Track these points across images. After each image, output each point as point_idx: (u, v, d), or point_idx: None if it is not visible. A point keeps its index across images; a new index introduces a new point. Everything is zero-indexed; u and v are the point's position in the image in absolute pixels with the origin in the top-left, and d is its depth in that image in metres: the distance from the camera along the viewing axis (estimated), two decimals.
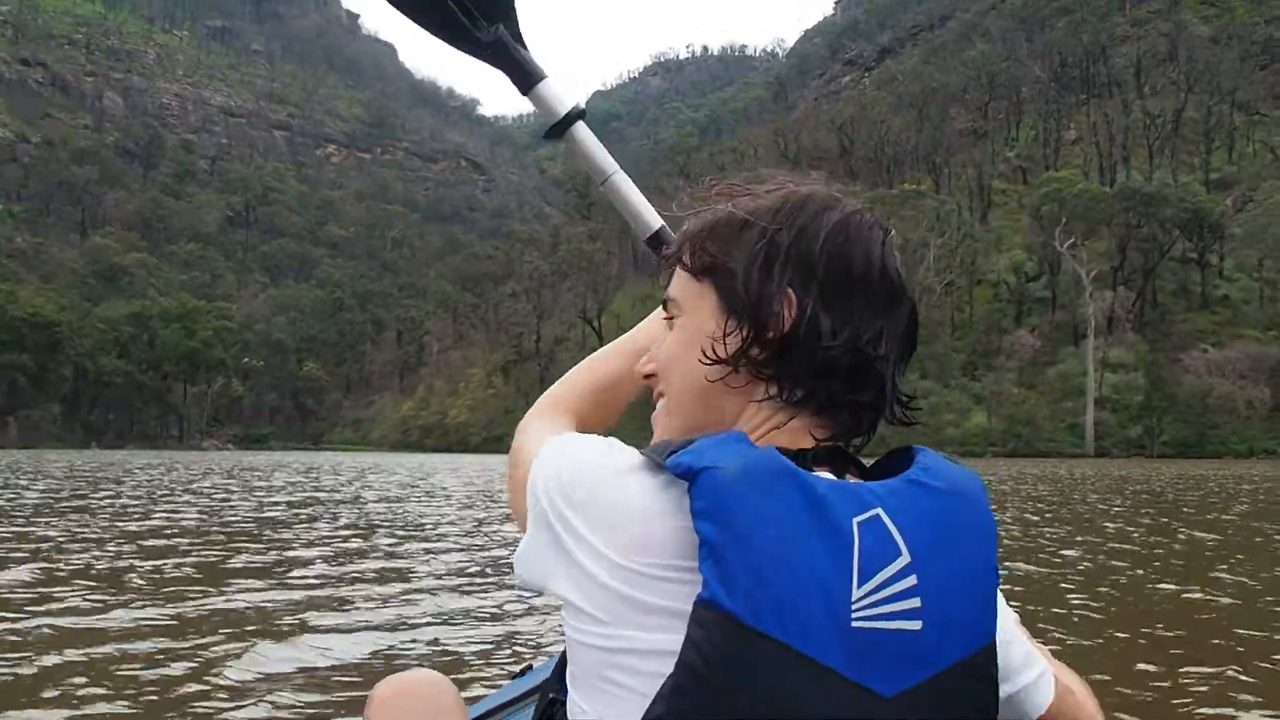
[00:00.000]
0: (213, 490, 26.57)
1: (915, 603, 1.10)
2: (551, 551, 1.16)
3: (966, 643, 1.14)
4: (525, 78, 1.83)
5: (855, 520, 1.10)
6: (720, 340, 1.24)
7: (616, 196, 1.83)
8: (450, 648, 6.41)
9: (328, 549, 12.08)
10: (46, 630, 6.76)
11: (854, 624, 1.07)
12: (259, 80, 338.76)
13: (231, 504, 20.78)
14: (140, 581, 9.12)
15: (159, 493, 24.63)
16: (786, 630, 1.05)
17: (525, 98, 1.82)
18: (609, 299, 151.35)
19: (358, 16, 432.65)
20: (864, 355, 1.21)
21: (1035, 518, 18.76)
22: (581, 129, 1.81)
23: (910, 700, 1.10)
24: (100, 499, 21.83)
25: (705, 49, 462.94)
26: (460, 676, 5.48)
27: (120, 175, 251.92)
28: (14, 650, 6.09)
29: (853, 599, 1.07)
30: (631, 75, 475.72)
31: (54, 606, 7.68)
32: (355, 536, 13.66)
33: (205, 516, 17.02)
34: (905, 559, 1.10)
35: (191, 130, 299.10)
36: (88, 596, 8.20)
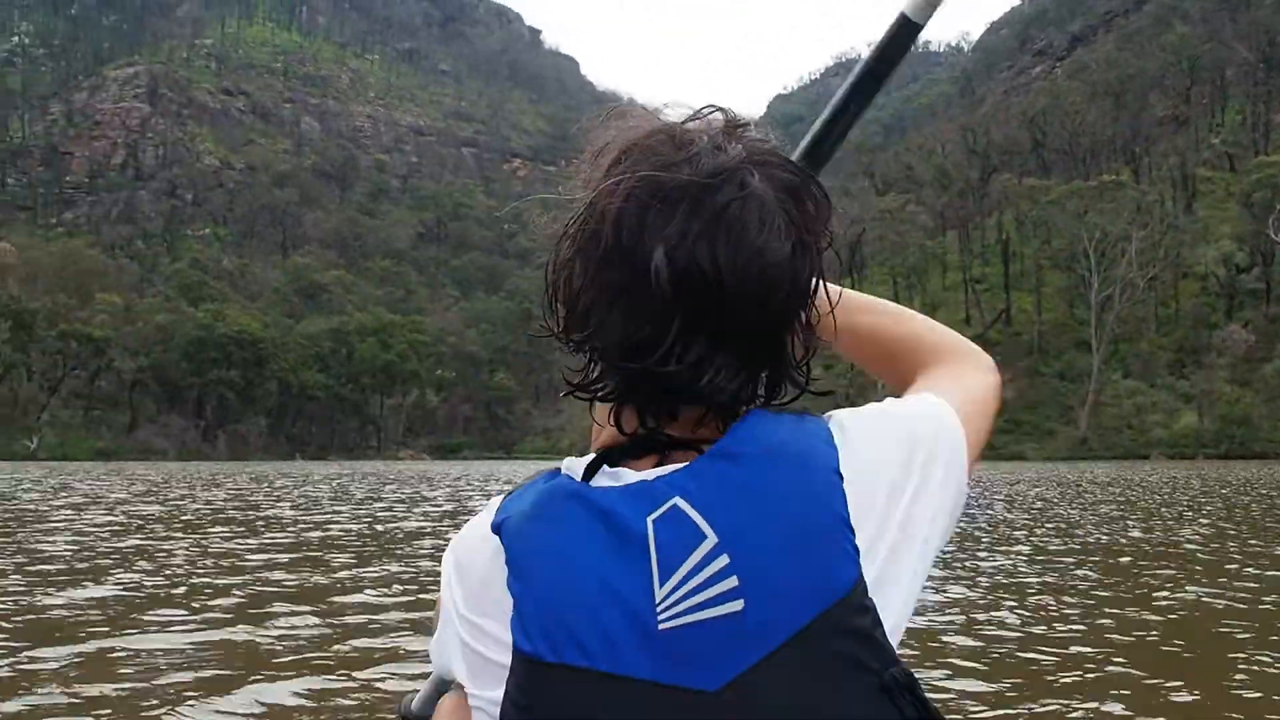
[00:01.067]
0: (373, 499, 26.99)
1: (732, 582, 1.04)
2: (449, 631, 1.16)
3: (807, 606, 1.05)
4: None
5: (649, 518, 1.06)
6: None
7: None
8: None
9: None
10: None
11: (662, 626, 1.03)
12: (447, 99, 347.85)
13: (390, 514, 20.89)
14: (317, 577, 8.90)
15: (325, 500, 25.01)
16: (589, 655, 1.03)
17: None
18: None
19: (539, 32, 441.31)
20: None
21: (1233, 528, 17.36)
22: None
23: (744, 686, 1.03)
24: (264, 507, 22.23)
25: None
26: None
27: (318, 196, 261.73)
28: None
29: (656, 601, 1.04)
30: (812, 77, 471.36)
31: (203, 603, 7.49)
32: None
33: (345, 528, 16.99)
34: (711, 541, 1.05)
35: (384, 150, 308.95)
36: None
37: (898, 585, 1.10)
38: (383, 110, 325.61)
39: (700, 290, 1.09)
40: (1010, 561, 12.78)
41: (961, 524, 17.12)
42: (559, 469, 1.15)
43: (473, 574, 1.12)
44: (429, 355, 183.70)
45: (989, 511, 22.29)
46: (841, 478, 1.10)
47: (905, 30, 1.55)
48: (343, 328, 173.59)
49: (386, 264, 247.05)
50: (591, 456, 1.15)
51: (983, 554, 13.60)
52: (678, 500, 1.06)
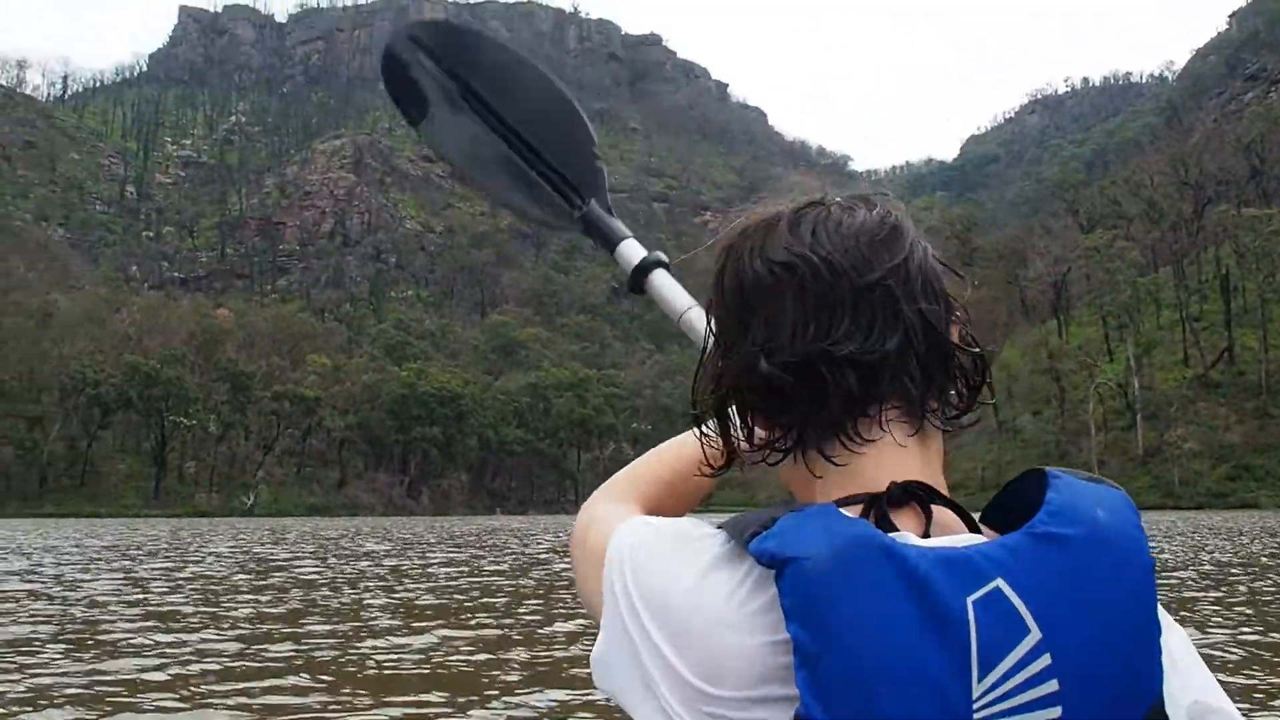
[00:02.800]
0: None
1: (1052, 686, 0.93)
2: (627, 657, 1.01)
3: (1123, 713, 0.95)
4: (608, 241, 1.83)
5: (969, 599, 0.93)
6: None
7: (691, 331, 1.65)
8: None
9: None
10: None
11: None
12: (637, 156, 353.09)
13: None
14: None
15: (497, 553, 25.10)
16: None
17: (612, 256, 1.82)
18: (999, 349, 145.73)
19: (726, 85, 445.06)
20: (831, 356, 1.04)
21: None
22: (661, 275, 1.76)
23: None
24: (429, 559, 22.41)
25: (1085, 80, 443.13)
26: None
27: (514, 256, 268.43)
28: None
29: (974, 696, 0.92)
30: (1007, 115, 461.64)
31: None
32: None
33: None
34: (1035, 636, 0.93)
35: None
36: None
37: (1179, 695, 1.03)
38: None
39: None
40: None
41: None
42: (831, 506, 1.01)
43: (706, 637, 0.96)
44: (624, 409, 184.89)
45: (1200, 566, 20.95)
46: (1154, 564, 1.02)
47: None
48: (540, 383, 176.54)
49: (581, 319, 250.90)
50: (849, 501, 1.05)
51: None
52: (1000, 582, 0.95)
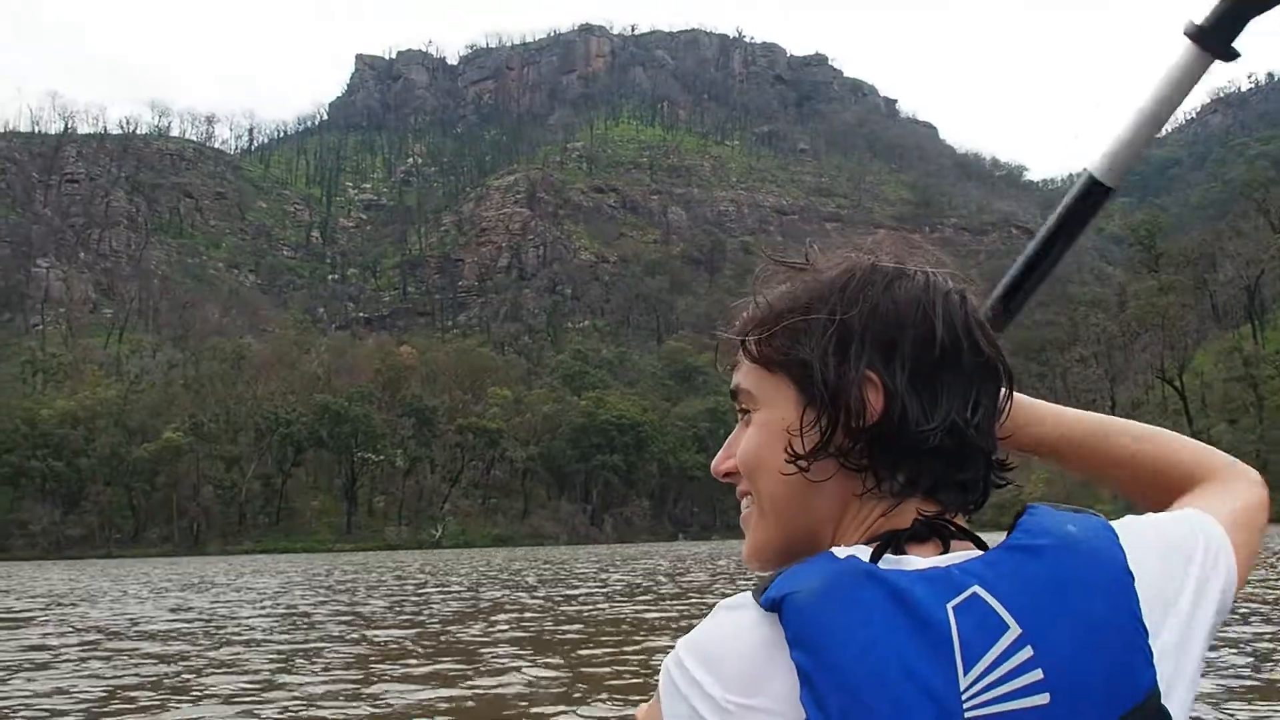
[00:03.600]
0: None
1: (1037, 675, 1.02)
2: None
3: (1111, 707, 1.03)
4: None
5: (949, 605, 1.03)
6: (800, 435, 1.15)
7: None
8: None
9: None
10: None
11: (968, 715, 1.00)
12: (807, 177, 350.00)
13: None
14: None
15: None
16: None
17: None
18: (1189, 356, 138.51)
19: (894, 101, 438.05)
20: (962, 432, 1.13)
21: None
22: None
23: None
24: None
25: (1270, 75, 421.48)
26: None
27: (688, 282, 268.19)
28: None
29: (961, 689, 1.00)
30: (1188, 117, 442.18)
31: None
32: None
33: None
34: (1015, 632, 1.03)
35: (748, 232, 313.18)
36: None
37: (1178, 695, 1.09)
38: (745, 194, 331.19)
39: None
40: None
41: None
42: (831, 552, 1.09)
43: (733, 660, 1.04)
44: None
45: None
46: (1132, 576, 1.10)
47: (1095, 191, 1.51)
48: (718, 408, 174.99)
49: None
50: (865, 542, 1.12)
51: None
52: (977, 588, 1.04)
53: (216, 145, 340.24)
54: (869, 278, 1.16)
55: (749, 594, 1.08)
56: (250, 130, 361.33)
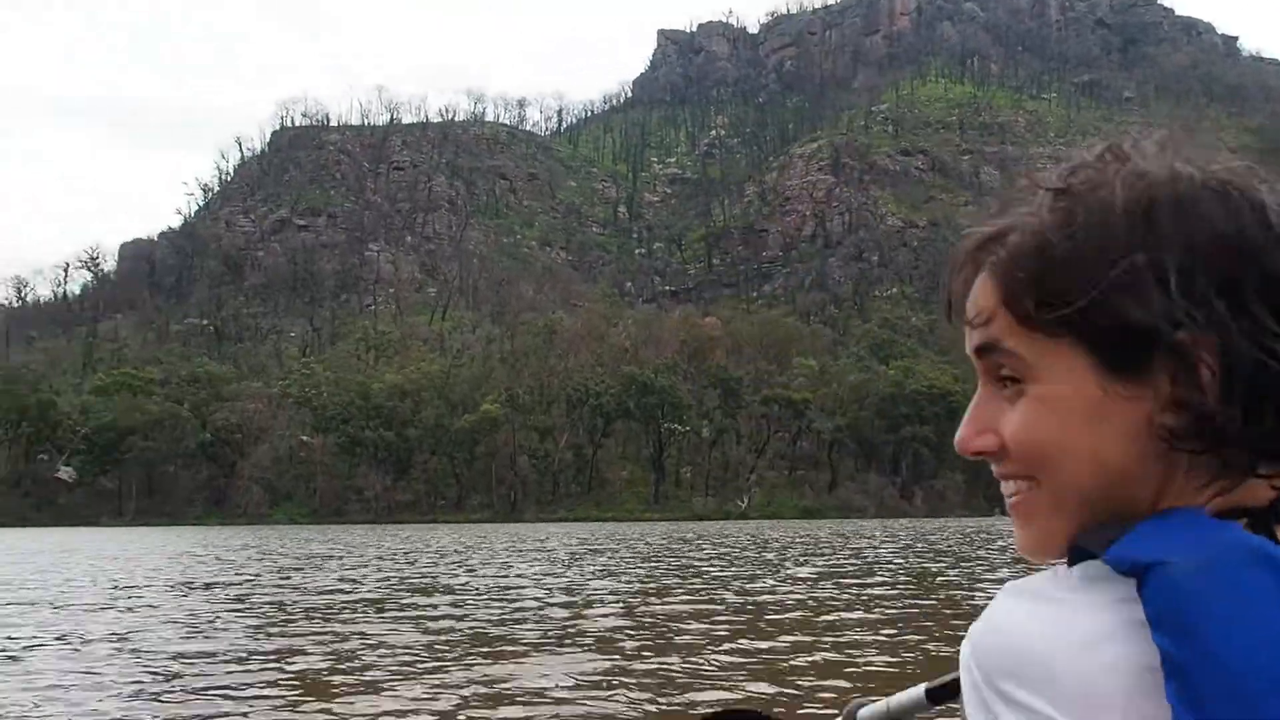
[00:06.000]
0: None
1: None
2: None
3: None
4: None
5: None
6: (1105, 417, 0.87)
7: None
8: None
9: None
10: None
11: None
12: (1133, 127, 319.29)
13: None
14: None
15: None
16: None
17: None
18: None
19: (1235, 39, 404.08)
20: None
21: None
22: None
23: None
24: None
25: None
26: None
27: None
28: None
29: None
30: None
31: None
32: None
33: None
34: None
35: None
36: None
37: None
38: (1064, 149, 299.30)
39: None
40: None
41: None
42: (1196, 510, 0.86)
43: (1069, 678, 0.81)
44: None
45: None
46: None
47: None
48: None
49: None
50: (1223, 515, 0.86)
51: None
52: None
53: (528, 128, 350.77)
54: (1175, 194, 0.89)
55: (1072, 576, 0.86)
56: (559, 111, 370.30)
